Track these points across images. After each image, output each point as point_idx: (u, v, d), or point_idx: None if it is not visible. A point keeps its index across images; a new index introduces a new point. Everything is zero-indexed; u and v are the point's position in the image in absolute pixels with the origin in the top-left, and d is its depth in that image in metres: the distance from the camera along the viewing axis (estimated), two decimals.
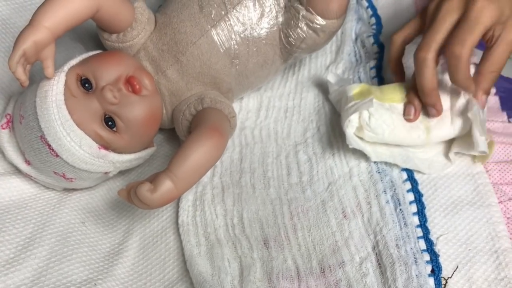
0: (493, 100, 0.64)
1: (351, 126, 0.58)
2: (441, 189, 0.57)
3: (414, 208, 0.55)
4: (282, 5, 0.62)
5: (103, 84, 0.56)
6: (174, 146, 0.69)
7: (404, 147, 0.59)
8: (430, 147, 0.59)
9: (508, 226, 0.54)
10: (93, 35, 0.69)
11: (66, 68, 0.57)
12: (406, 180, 0.58)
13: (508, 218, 0.54)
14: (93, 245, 0.58)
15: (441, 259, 0.52)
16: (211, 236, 0.58)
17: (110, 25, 0.59)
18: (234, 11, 0.60)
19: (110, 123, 0.56)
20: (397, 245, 0.53)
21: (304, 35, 0.62)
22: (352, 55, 0.73)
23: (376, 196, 0.57)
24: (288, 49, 0.63)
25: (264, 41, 0.62)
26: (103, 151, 0.56)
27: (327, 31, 0.62)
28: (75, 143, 0.54)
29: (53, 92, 0.54)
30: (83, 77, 0.56)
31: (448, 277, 0.51)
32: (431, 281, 0.50)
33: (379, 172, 0.59)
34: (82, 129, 0.54)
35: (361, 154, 0.60)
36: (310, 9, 0.60)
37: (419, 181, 0.57)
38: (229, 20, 0.60)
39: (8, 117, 0.59)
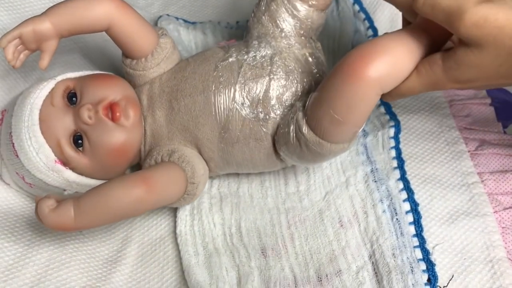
0: (488, 110, 0.65)
1: None
2: (437, 199, 0.58)
3: (410, 217, 0.56)
4: (293, 102, 0.56)
5: (84, 102, 0.56)
6: None
7: None
8: None
9: (503, 236, 0.54)
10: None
11: (59, 78, 0.58)
12: (402, 189, 0.58)
13: (503, 227, 0.55)
14: (91, 252, 0.58)
15: (437, 268, 0.52)
16: (209, 246, 0.58)
17: (125, 48, 0.59)
18: (243, 84, 0.56)
19: (79, 141, 0.56)
20: (393, 254, 0.53)
21: (288, 139, 0.54)
22: None
23: (373, 205, 0.57)
24: (276, 145, 0.57)
25: (262, 127, 0.56)
26: (59, 166, 0.55)
27: (312, 147, 0.52)
28: (33, 148, 0.54)
29: (34, 95, 0.56)
30: (72, 91, 0.57)
31: (444, 286, 0.52)
32: None
33: (375, 181, 0.59)
34: (45, 137, 0.55)
35: (357, 163, 0.61)
36: (306, 116, 0.52)
37: (415, 191, 0.58)
38: (235, 90, 0.56)
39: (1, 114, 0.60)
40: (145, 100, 0.60)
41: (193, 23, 0.80)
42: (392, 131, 0.63)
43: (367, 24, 0.76)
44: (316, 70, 0.57)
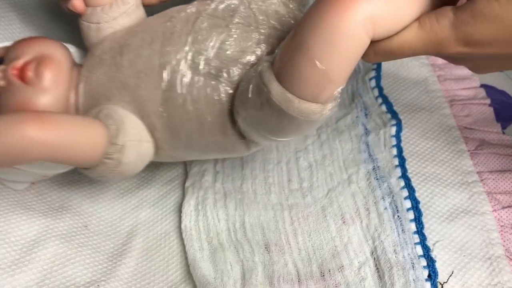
0: (488, 111, 0.66)
1: None
2: (438, 197, 0.59)
3: (411, 215, 0.57)
4: (256, 58, 0.46)
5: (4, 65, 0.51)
6: None
7: None
8: None
9: (502, 234, 0.55)
10: None
11: None
12: (403, 187, 0.59)
13: (501, 226, 0.56)
14: (96, 247, 0.58)
15: (437, 265, 0.53)
16: (213, 241, 0.59)
17: None
18: (197, 35, 0.47)
19: None
20: (395, 250, 0.54)
21: (246, 95, 0.43)
22: None
23: (375, 202, 0.58)
24: (234, 110, 0.46)
25: (214, 87, 0.46)
26: None
27: (275, 103, 0.40)
28: None
29: None
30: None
31: (444, 282, 0.53)
32: (428, 285, 0.51)
33: (377, 179, 0.60)
34: None
35: (359, 161, 0.62)
36: (273, 65, 0.41)
37: (416, 189, 0.59)
38: (186, 42, 0.47)
39: None
40: (91, 59, 0.53)
41: None
42: (393, 130, 0.64)
43: None
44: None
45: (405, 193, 0.59)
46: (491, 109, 0.66)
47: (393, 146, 0.63)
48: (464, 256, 0.54)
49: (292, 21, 0.48)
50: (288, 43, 0.40)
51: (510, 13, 0.35)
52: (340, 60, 0.38)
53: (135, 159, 0.49)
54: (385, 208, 0.58)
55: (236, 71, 0.45)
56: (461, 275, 0.53)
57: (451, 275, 0.53)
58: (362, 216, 0.58)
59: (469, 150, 0.62)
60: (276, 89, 0.40)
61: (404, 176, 0.60)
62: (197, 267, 0.56)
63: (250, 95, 0.42)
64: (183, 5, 0.51)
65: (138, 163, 0.50)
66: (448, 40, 0.38)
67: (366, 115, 0.68)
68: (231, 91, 0.46)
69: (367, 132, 0.65)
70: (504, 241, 0.55)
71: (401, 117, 0.66)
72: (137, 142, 0.49)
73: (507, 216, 0.57)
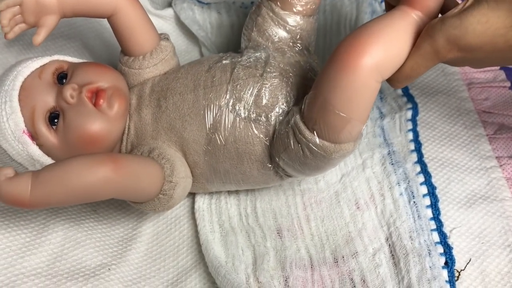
0: (508, 94, 0.64)
1: None
2: (455, 183, 0.57)
3: (427, 201, 0.56)
4: (287, 105, 0.52)
5: (72, 82, 0.53)
6: None
7: None
8: None
9: None
10: None
11: (56, 57, 0.57)
12: (419, 172, 0.58)
13: None
14: (106, 231, 0.58)
15: (454, 252, 0.52)
16: (225, 224, 0.58)
17: (124, 41, 0.58)
18: (236, 84, 0.53)
19: (55, 120, 0.53)
20: (410, 237, 0.53)
21: (288, 145, 0.49)
22: None
23: (390, 188, 0.57)
24: (271, 151, 0.53)
25: (254, 129, 0.52)
26: (26, 138, 0.52)
27: (315, 151, 0.48)
28: (6, 113, 0.51)
29: (24, 64, 0.54)
30: (64, 71, 0.55)
31: (461, 270, 0.51)
32: (444, 273, 0.50)
33: (392, 164, 0.59)
34: (21, 105, 0.52)
35: (374, 146, 0.60)
36: (303, 118, 0.48)
37: (432, 174, 0.58)
38: (227, 90, 0.53)
39: None
40: (134, 99, 0.57)
41: (207, 3, 0.79)
42: (409, 114, 0.63)
43: (383, 6, 0.75)
44: (310, 75, 0.55)
45: (421, 178, 0.57)
46: (511, 92, 0.64)
47: (409, 130, 0.62)
48: (482, 243, 0.53)
49: (307, 67, 0.55)
50: (313, 102, 0.47)
51: (495, 15, 0.39)
52: (360, 106, 0.45)
53: (182, 193, 0.54)
54: (401, 194, 0.56)
55: (273, 116, 0.52)
56: (479, 263, 0.52)
57: (468, 262, 0.52)
58: (377, 201, 0.57)
59: (487, 135, 0.61)
60: (313, 140, 0.47)
61: (420, 161, 0.59)
62: (210, 247, 0.55)
63: (292, 146, 0.49)
64: (216, 55, 0.58)
65: (182, 197, 0.55)
66: (442, 47, 0.42)
67: (381, 98, 0.66)
68: (270, 132, 0.52)
69: (382, 116, 0.64)
70: None
71: (417, 100, 0.64)
72: (184, 178, 0.54)
73: None
